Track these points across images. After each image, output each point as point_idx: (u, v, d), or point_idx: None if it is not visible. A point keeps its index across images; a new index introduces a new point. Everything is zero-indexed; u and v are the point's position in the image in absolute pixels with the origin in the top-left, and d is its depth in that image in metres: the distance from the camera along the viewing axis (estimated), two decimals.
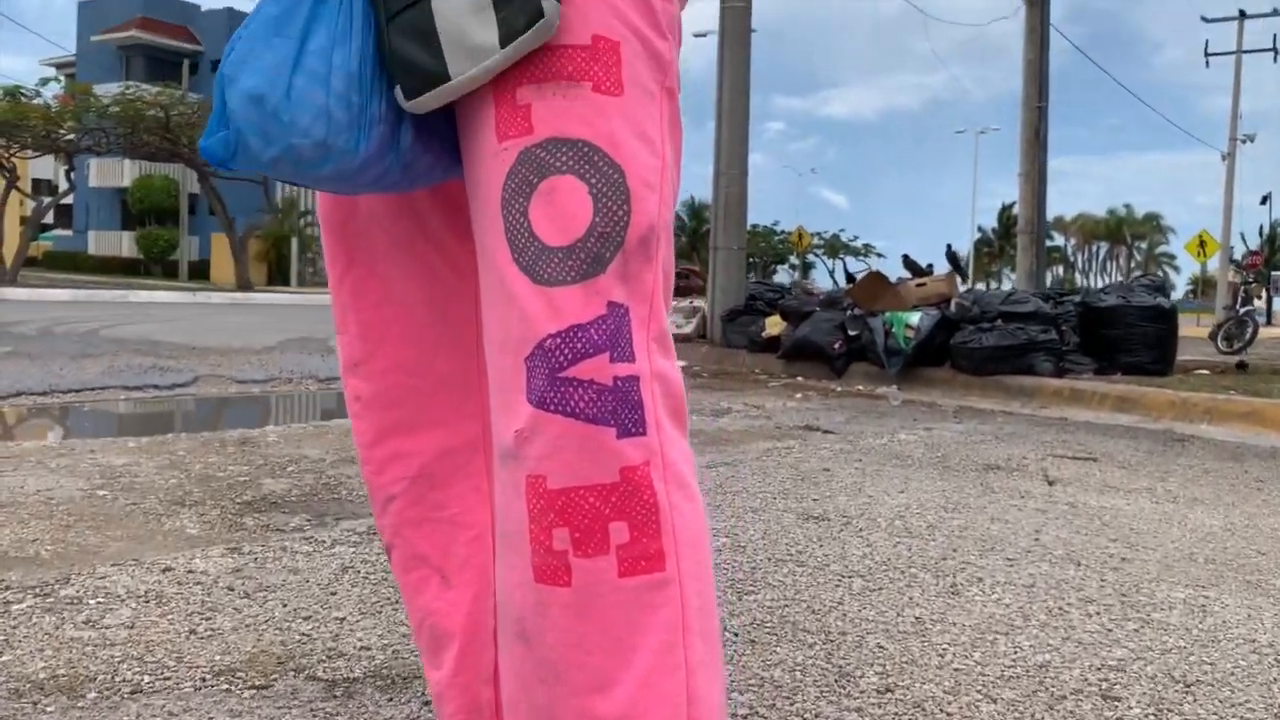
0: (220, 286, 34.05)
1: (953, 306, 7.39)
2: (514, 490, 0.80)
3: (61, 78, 21.77)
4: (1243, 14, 31.66)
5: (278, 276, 37.85)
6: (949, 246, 8.46)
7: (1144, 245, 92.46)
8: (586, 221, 0.79)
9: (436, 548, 1.04)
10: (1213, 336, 14.46)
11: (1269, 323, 34.91)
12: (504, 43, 0.79)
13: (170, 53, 42.27)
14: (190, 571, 2.25)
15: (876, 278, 8.09)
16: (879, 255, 53.17)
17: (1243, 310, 14.32)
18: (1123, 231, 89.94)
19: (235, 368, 7.45)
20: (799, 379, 7.79)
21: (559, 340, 0.78)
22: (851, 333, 7.70)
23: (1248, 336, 14.16)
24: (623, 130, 0.81)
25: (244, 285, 20.96)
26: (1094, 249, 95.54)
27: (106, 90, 35.00)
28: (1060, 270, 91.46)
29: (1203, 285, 50.68)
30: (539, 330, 0.79)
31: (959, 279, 8.05)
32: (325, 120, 0.80)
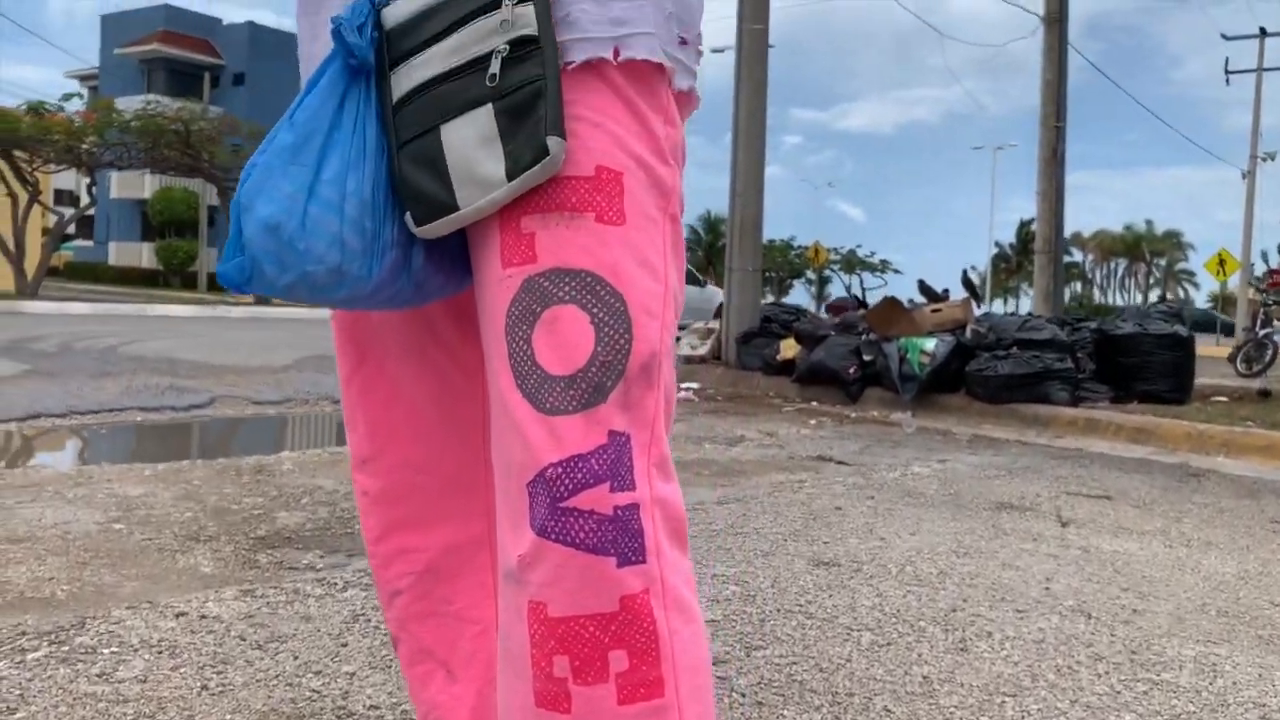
0: (239, 300, 34.28)
1: (968, 333, 7.38)
2: (516, 613, 0.82)
3: (84, 92, 21.98)
4: (1263, 31, 31.53)
5: None
6: (965, 272, 8.44)
7: (1163, 262, 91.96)
8: (588, 351, 0.80)
9: (442, 642, 1.06)
10: (1232, 359, 14.34)
11: None
12: (510, 176, 0.81)
13: (192, 65, 42.68)
14: (203, 617, 2.27)
15: (892, 303, 8.08)
16: (896, 271, 53.06)
17: (1262, 332, 14.19)
18: (1141, 248, 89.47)
19: (252, 388, 7.50)
20: (813, 404, 7.79)
21: (560, 470, 0.79)
22: (866, 358, 7.69)
23: (1267, 359, 14.04)
24: (625, 259, 0.83)
25: (262, 299, 21.10)
26: (1112, 265, 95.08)
27: (128, 104, 35.32)
28: (1079, 287, 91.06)
29: (1222, 303, 50.36)
30: (540, 459, 0.80)
31: (974, 304, 8.03)
32: (339, 248, 0.82)
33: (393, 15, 0.86)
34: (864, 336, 7.93)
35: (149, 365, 8.62)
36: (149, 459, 4.66)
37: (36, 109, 18.45)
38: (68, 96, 20.27)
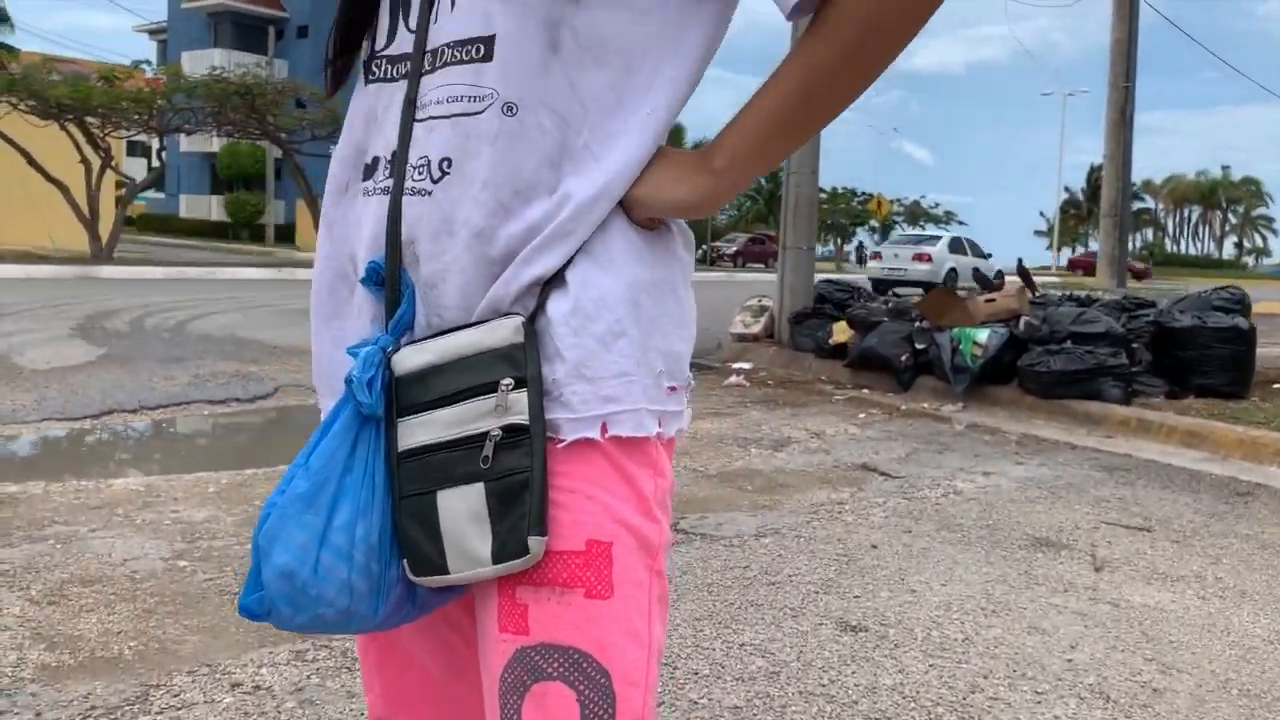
0: (304, 249, 34.83)
1: (1021, 325, 7.32)
2: None
3: (152, 61, 22.35)
4: None
5: None
6: (1020, 261, 8.34)
7: (1240, 209, 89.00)
8: None
9: None
10: None
11: None
12: (496, 559, 0.88)
13: (257, 19, 43.05)
14: (257, 687, 2.42)
15: (945, 293, 8.02)
16: (960, 223, 52.11)
17: None
18: (1216, 195, 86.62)
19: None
20: (864, 391, 7.80)
21: None
22: (919, 346, 7.68)
23: None
24: (612, 632, 0.90)
25: None
26: (1186, 213, 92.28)
27: (195, 61, 35.72)
28: (1150, 234, 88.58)
29: None
30: None
31: (1029, 293, 7.94)
32: (348, 593, 0.91)
33: (401, 364, 0.93)
34: (916, 324, 7.91)
35: (215, 347, 8.90)
36: (215, 465, 4.87)
37: (108, 76, 18.85)
38: (136, 64, 20.64)
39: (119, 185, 22.87)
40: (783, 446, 5.65)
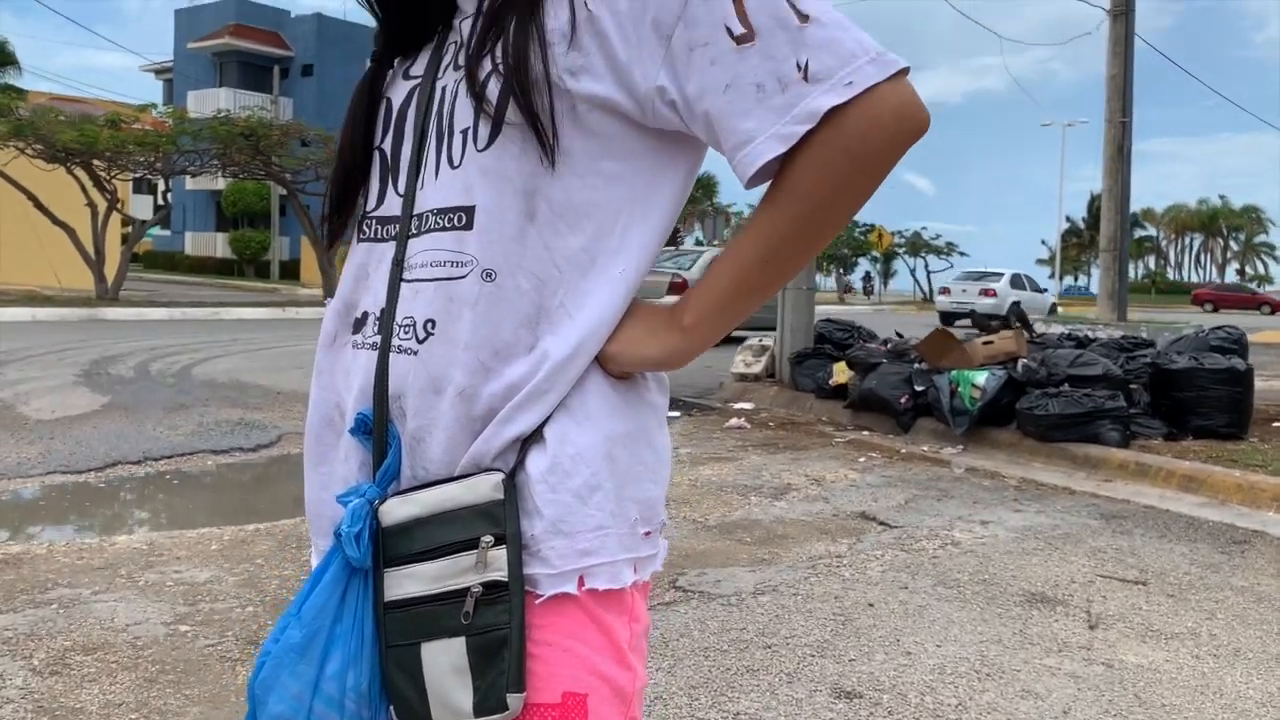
0: (308, 284, 35.01)
1: (1019, 367, 7.36)
2: None
3: (159, 103, 22.57)
4: None
5: None
6: (1016, 304, 8.39)
7: (1241, 236, 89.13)
8: None
9: None
10: None
11: None
12: (476, 712, 0.93)
13: (262, 58, 43.53)
14: None
15: (943, 334, 8.07)
16: (962, 254, 52.17)
17: None
18: (1218, 223, 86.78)
19: None
20: (865, 433, 7.83)
21: None
22: (918, 388, 7.71)
23: None
24: None
25: (331, 294, 21.67)
26: (1187, 240, 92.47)
27: (201, 102, 36.00)
28: (1152, 262, 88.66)
29: None
30: None
31: (1026, 335, 7.99)
32: None
33: (388, 515, 0.98)
34: (916, 365, 7.95)
35: (220, 393, 8.96)
36: (218, 519, 4.92)
37: (114, 120, 19.06)
38: (143, 108, 20.87)
39: (125, 223, 23.08)
40: (782, 494, 5.68)
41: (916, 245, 51.92)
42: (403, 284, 1.01)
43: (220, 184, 41.48)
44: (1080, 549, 4.56)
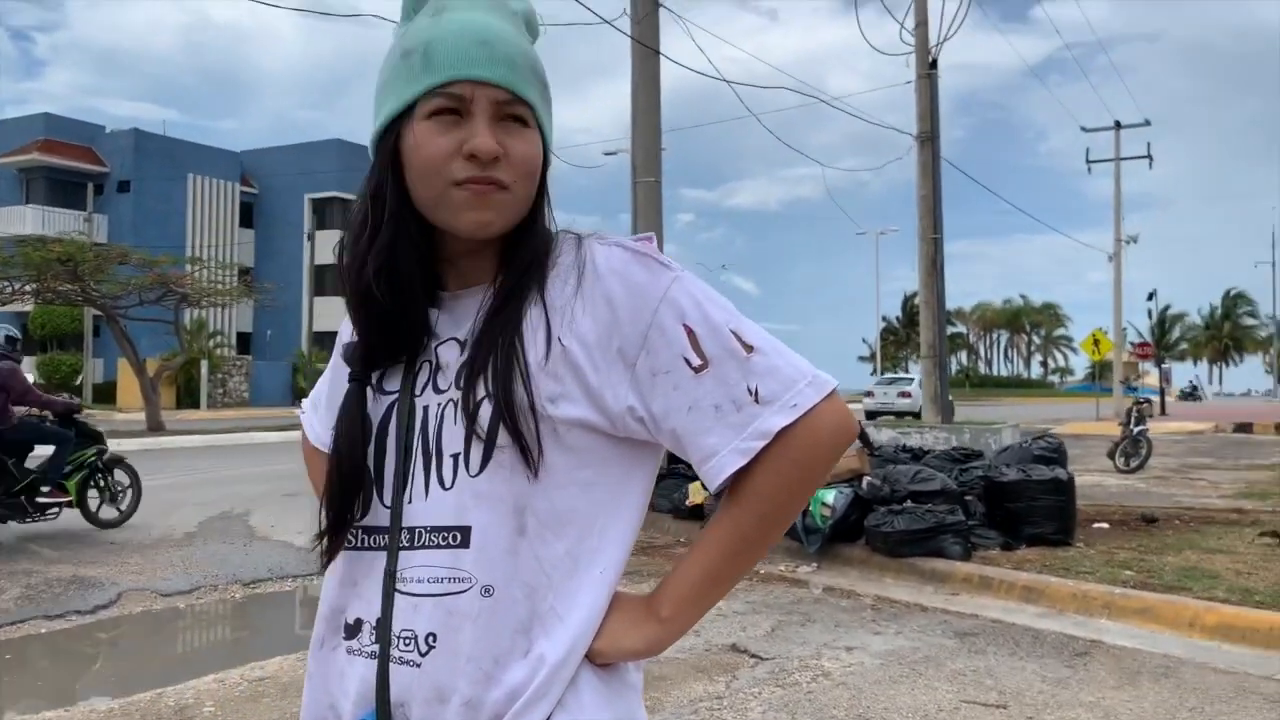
0: (125, 408, 33.26)
1: (864, 485, 7.71)
2: None
3: None
4: (1118, 124, 33.72)
5: (185, 399, 37.17)
6: (861, 427, 8.81)
7: (1042, 331, 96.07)
8: None
9: None
10: (1111, 455, 15.17)
11: (1163, 412, 36.46)
12: None
13: (73, 174, 41.86)
14: None
15: None
16: None
17: (1137, 430, 15.08)
18: (1021, 320, 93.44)
19: (157, 573, 7.38)
20: None
21: None
22: None
23: (1143, 455, 14.92)
24: None
25: (155, 425, 20.59)
26: (995, 336, 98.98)
27: (6, 221, 34.14)
28: (964, 358, 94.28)
29: (1100, 370, 52.85)
30: None
31: (868, 453, 8.39)
32: None
33: None
34: None
35: (46, 545, 8.41)
36: (60, 701, 4.59)
37: None
38: None
39: None
40: None
41: None
42: (398, 595, 1.08)
43: (28, 305, 39.34)
44: (941, 673, 4.79)
